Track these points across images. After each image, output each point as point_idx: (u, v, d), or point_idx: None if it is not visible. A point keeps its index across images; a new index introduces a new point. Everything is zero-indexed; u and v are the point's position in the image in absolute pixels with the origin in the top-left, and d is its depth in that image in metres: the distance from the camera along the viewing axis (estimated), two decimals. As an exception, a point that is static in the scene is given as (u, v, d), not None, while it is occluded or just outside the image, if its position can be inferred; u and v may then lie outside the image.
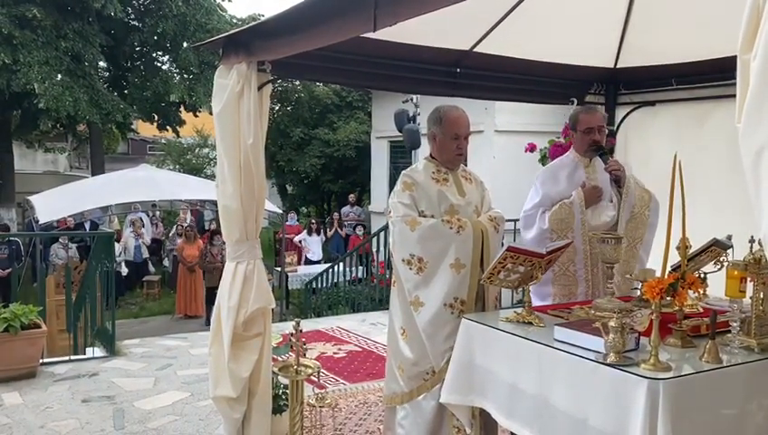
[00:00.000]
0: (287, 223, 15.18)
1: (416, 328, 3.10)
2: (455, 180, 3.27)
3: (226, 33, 3.36)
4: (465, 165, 3.43)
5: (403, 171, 3.31)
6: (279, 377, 3.55)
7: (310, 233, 14.95)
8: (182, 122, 19.51)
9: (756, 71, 1.45)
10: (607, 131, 3.60)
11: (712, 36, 3.37)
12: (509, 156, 9.77)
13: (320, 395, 3.70)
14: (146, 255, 14.44)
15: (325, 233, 15.73)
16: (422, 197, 3.16)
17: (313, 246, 14.81)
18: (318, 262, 14.05)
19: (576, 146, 3.56)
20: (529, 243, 3.49)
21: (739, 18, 1.51)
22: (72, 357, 5.91)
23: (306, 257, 14.54)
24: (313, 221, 15.75)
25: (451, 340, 2.93)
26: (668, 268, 2.40)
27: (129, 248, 13.81)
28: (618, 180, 3.34)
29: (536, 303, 3.47)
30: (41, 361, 5.42)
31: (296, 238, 14.94)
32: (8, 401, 4.70)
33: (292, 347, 3.30)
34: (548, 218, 3.39)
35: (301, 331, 3.28)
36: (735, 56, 1.53)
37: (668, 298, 2.22)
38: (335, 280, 10.80)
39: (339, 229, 15.81)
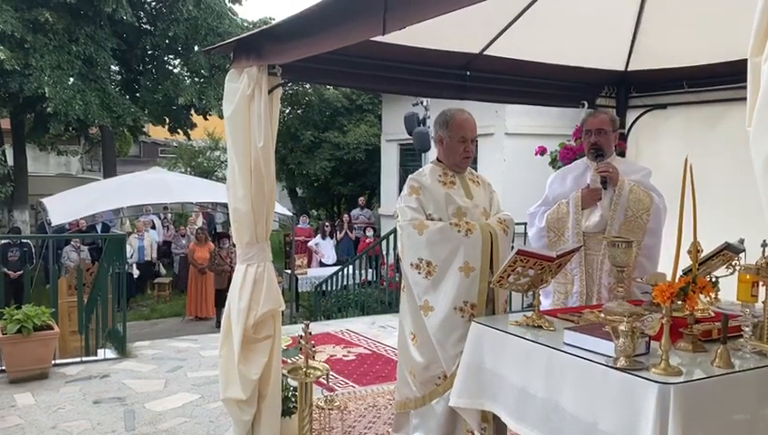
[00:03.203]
0: (298, 226, 15.21)
1: (426, 333, 3.09)
2: (462, 183, 3.26)
3: (237, 37, 3.37)
4: (475, 168, 3.43)
5: (410, 175, 3.30)
6: (288, 379, 3.56)
7: (324, 237, 14.95)
8: (193, 125, 19.61)
9: (767, 73, 1.44)
10: (617, 134, 3.63)
11: (723, 39, 3.36)
12: (519, 159, 9.76)
13: (329, 398, 3.70)
14: (148, 257, 14.49)
15: (335, 236, 15.77)
16: (429, 200, 3.16)
17: (327, 249, 14.82)
18: (332, 265, 14.07)
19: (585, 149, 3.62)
20: (530, 241, 3.58)
21: (750, 21, 1.50)
22: (84, 358, 5.94)
23: (321, 262, 14.54)
24: (327, 224, 15.78)
25: (462, 344, 2.90)
26: (680, 272, 2.39)
27: (134, 249, 13.88)
28: (604, 182, 3.34)
29: (542, 299, 3.50)
30: (53, 362, 5.46)
31: (310, 243, 14.97)
32: (21, 401, 4.73)
33: (301, 349, 3.31)
34: (545, 217, 3.48)
35: (310, 333, 3.29)
36: (747, 59, 1.52)
37: (679, 302, 2.21)
38: (345, 283, 10.81)
39: (348, 232, 15.83)
